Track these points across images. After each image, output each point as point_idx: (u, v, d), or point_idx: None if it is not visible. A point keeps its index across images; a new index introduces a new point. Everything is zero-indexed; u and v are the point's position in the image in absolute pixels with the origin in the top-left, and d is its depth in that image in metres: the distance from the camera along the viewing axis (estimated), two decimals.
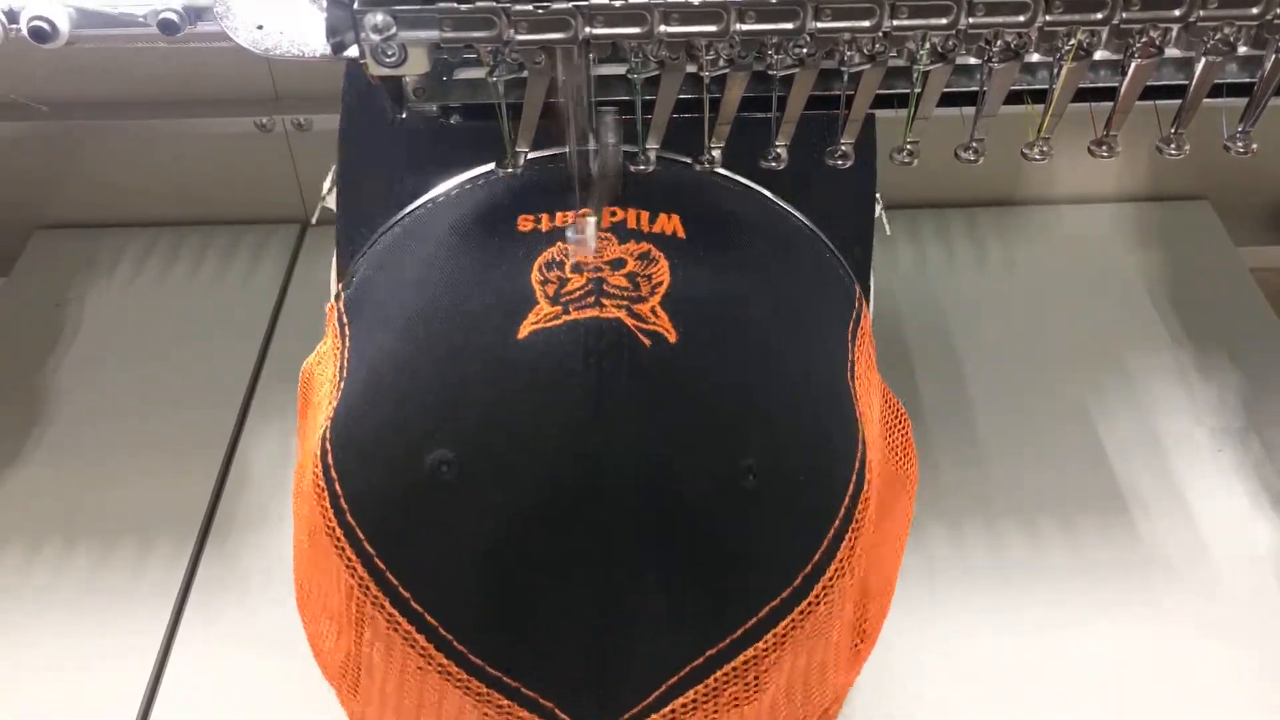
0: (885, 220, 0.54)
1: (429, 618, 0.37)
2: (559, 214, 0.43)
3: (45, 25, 0.41)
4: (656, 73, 0.38)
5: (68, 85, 0.79)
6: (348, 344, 0.44)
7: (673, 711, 0.38)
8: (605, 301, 0.39)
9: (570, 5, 0.35)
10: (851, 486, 0.41)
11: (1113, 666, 0.57)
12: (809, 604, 0.39)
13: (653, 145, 0.41)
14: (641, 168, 0.41)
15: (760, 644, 0.39)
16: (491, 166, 0.45)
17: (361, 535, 0.38)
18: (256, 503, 0.66)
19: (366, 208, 0.49)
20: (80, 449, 0.69)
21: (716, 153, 0.41)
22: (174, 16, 0.41)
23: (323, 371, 0.45)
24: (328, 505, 0.39)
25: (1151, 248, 0.82)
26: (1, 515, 0.66)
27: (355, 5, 0.35)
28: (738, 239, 0.46)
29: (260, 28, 0.39)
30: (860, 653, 0.45)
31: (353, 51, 0.37)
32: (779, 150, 0.41)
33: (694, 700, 0.38)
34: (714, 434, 0.39)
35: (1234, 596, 0.60)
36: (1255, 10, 0.36)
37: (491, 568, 0.37)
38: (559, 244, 0.42)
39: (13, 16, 0.42)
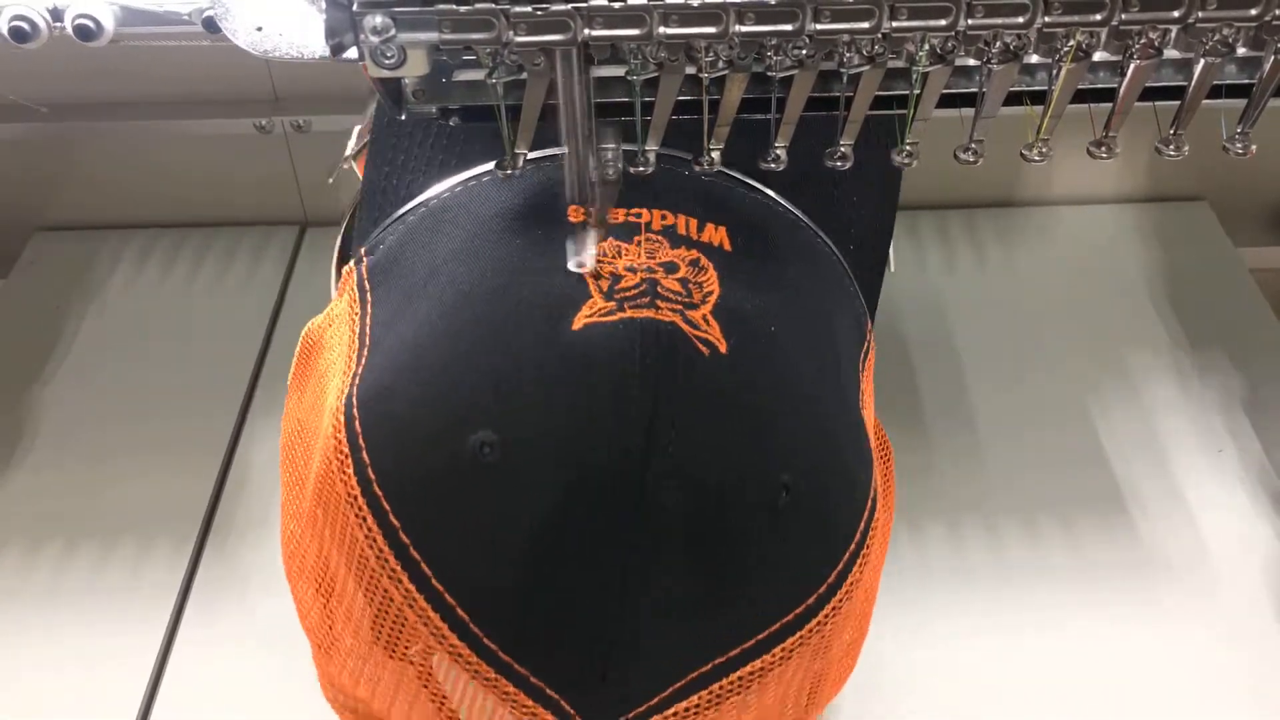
0: (892, 257, 0.55)
1: (448, 597, 0.37)
2: (614, 211, 0.43)
3: (90, 23, 0.41)
4: (656, 74, 0.38)
5: (68, 86, 0.80)
6: (369, 310, 0.43)
7: (674, 714, 0.38)
8: (660, 304, 0.39)
9: (569, 7, 0.35)
10: (867, 511, 0.42)
11: (1112, 667, 0.57)
12: (818, 622, 0.40)
13: (652, 147, 0.41)
14: (641, 169, 0.41)
15: (768, 656, 0.39)
16: (537, 155, 0.45)
17: (388, 507, 0.37)
18: (256, 503, 0.66)
19: (400, 176, 0.49)
20: (80, 450, 0.70)
21: (716, 154, 0.41)
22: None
23: (336, 334, 0.45)
24: (351, 474, 0.38)
25: (1151, 248, 0.82)
26: (2, 516, 0.66)
27: (354, 7, 0.36)
28: (776, 257, 0.46)
29: (259, 29, 0.39)
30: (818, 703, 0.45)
31: (352, 53, 0.37)
32: (778, 151, 0.41)
33: (696, 705, 0.38)
34: (757, 449, 0.39)
35: (1234, 596, 0.60)
36: (1254, 11, 0.36)
37: (519, 553, 0.37)
38: (610, 238, 0.42)
39: (57, 15, 0.41)
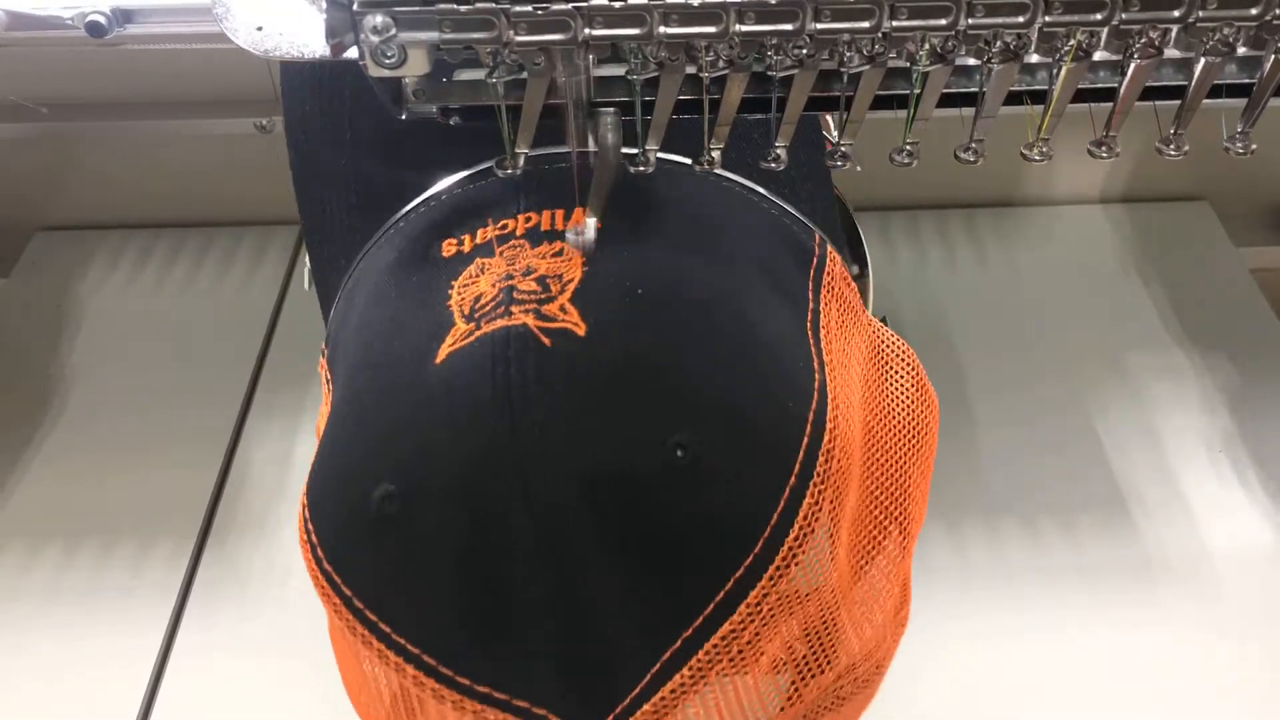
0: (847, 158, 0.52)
1: (410, 647, 0.38)
2: (480, 230, 0.44)
3: None
4: (656, 74, 0.38)
5: (68, 86, 0.79)
6: (327, 401, 0.45)
7: (663, 699, 0.38)
8: (514, 309, 0.39)
9: (569, 6, 0.35)
10: (806, 440, 0.40)
11: (1112, 666, 0.57)
12: (777, 568, 0.38)
13: (652, 146, 0.41)
14: (641, 169, 0.41)
15: (735, 617, 0.38)
16: (417, 202, 0.46)
17: (338, 579, 0.39)
18: (256, 503, 0.66)
19: (329, 268, 0.50)
20: (81, 450, 0.70)
21: (716, 154, 0.41)
22: (101, 19, 0.40)
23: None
24: (310, 557, 0.40)
25: (1151, 248, 0.82)
26: (2, 516, 0.66)
27: (355, 6, 0.35)
28: (658, 218, 0.45)
29: (260, 29, 0.39)
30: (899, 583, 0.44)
31: (352, 53, 0.37)
32: (779, 151, 0.41)
33: (681, 685, 0.38)
34: (632, 418, 0.38)
35: (1234, 596, 0.60)
36: (1254, 11, 0.36)
37: (451, 591, 0.38)
38: (477, 259, 0.42)
39: None
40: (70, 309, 0.79)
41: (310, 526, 0.40)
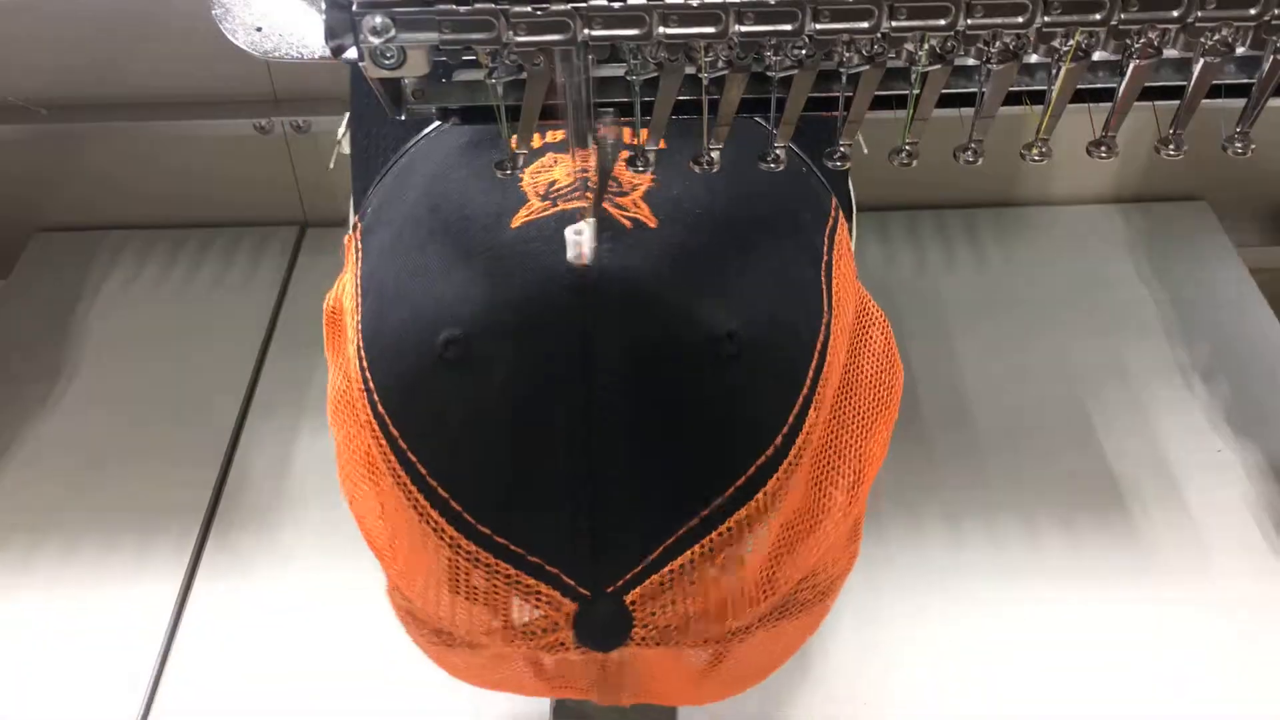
0: (863, 141, 0.54)
1: (441, 490, 0.40)
2: (550, 132, 0.46)
3: None
4: (655, 74, 0.38)
5: (68, 87, 0.80)
6: (360, 267, 0.47)
7: (670, 573, 0.40)
8: (589, 195, 0.41)
9: (569, 7, 0.35)
10: (815, 360, 0.44)
11: (1112, 665, 0.57)
12: (789, 464, 0.41)
13: (652, 147, 0.41)
14: (640, 169, 0.41)
15: (751, 504, 0.40)
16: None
17: (388, 420, 0.41)
18: (256, 503, 0.66)
19: (378, 143, 0.52)
20: (81, 449, 0.70)
21: (715, 154, 0.41)
22: None
23: (347, 297, 0.48)
24: (365, 403, 0.42)
25: (1151, 248, 0.82)
26: (2, 515, 0.66)
27: (354, 7, 0.35)
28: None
29: (259, 30, 0.39)
30: (851, 517, 0.47)
31: (352, 54, 0.37)
32: (778, 151, 0.41)
33: (690, 561, 0.40)
34: (696, 304, 0.41)
35: (1233, 596, 0.60)
36: (1254, 11, 0.36)
37: (493, 439, 0.40)
38: (550, 154, 0.45)
39: None
40: (70, 309, 0.79)
41: (368, 374, 0.42)
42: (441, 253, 0.43)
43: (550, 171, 0.45)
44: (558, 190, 0.43)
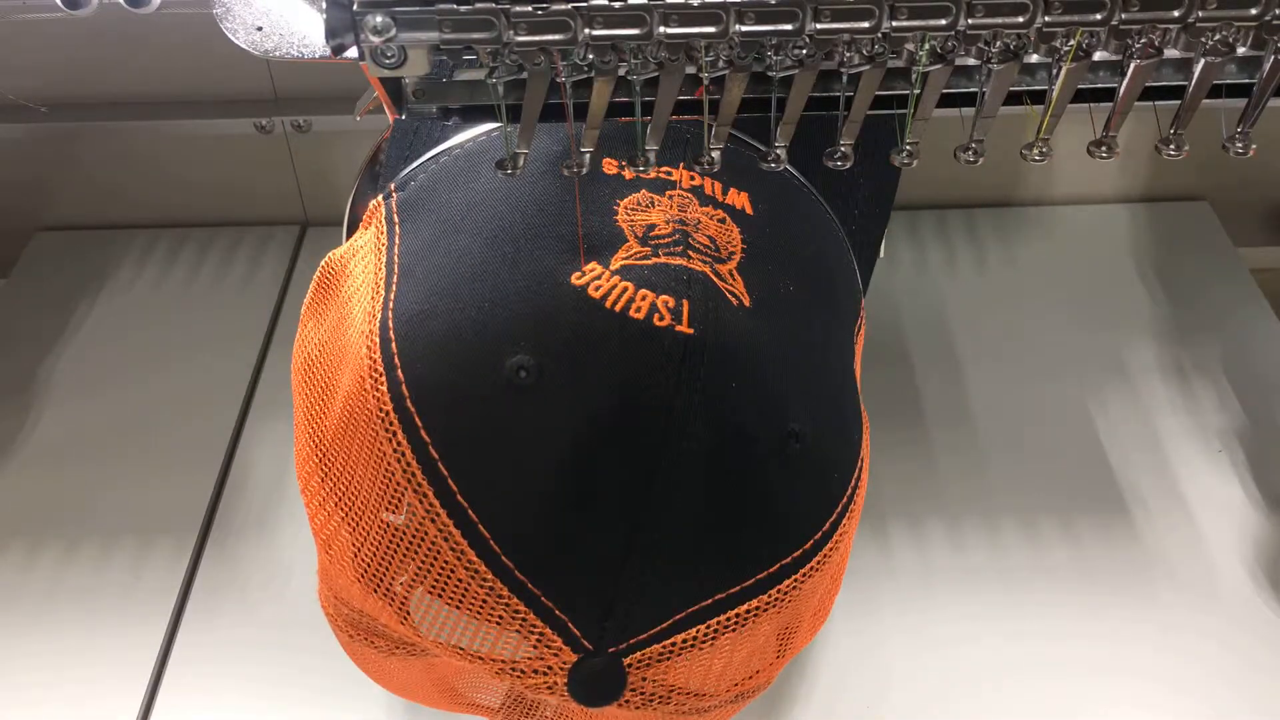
0: (884, 246, 0.57)
1: (471, 512, 0.38)
2: (651, 168, 0.46)
3: None
4: (656, 74, 0.38)
5: (68, 86, 0.80)
6: (398, 242, 0.45)
7: (674, 644, 0.39)
8: (691, 254, 0.42)
9: (569, 7, 0.35)
10: (857, 468, 0.45)
11: (1111, 666, 0.57)
12: (812, 567, 0.42)
13: (652, 147, 0.41)
14: (640, 169, 0.41)
15: (764, 596, 0.40)
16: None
17: (419, 422, 0.39)
18: (256, 505, 0.66)
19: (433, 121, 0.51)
20: (80, 450, 0.70)
21: (716, 154, 0.41)
22: None
23: (361, 264, 0.46)
24: (384, 390, 0.40)
25: (1151, 248, 0.82)
26: (2, 516, 0.66)
27: (354, 7, 0.35)
28: (790, 225, 0.48)
29: (260, 29, 0.39)
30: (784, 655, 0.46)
31: (352, 53, 0.37)
32: (778, 151, 0.41)
33: (694, 638, 0.40)
34: (776, 398, 0.41)
35: (1233, 596, 0.60)
36: (1254, 11, 0.36)
37: (544, 475, 0.38)
38: (644, 190, 0.45)
39: None
40: (70, 309, 0.79)
41: (397, 361, 0.40)
42: (522, 265, 0.41)
43: (647, 213, 0.44)
44: (657, 238, 0.42)
